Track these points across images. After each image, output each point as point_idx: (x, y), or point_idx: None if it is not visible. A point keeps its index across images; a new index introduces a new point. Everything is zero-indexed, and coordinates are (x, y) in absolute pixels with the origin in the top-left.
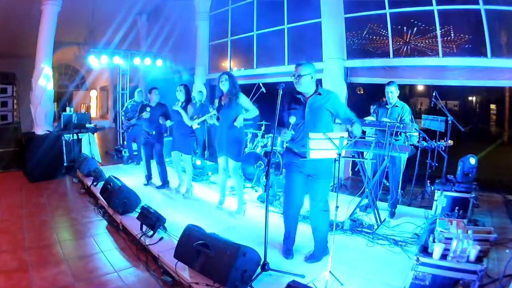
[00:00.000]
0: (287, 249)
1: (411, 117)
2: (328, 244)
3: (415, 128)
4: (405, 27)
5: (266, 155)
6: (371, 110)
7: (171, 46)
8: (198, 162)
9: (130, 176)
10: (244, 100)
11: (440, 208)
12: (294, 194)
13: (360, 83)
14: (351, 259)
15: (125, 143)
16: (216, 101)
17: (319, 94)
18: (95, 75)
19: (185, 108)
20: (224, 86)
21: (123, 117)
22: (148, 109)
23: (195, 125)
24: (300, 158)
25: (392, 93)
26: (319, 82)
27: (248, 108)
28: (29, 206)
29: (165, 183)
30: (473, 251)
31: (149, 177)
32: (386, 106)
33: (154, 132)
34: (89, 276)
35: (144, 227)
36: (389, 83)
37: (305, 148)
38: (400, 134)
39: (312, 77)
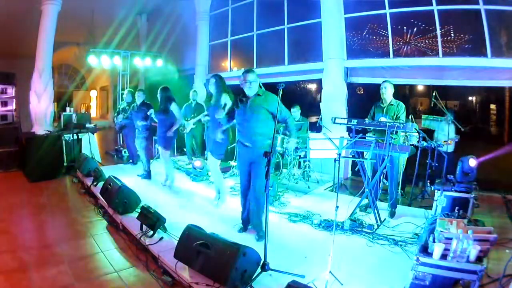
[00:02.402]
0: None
1: (411, 117)
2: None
3: (414, 128)
4: (405, 27)
5: (266, 155)
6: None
7: (171, 46)
8: (197, 163)
9: (130, 176)
10: (225, 101)
11: (440, 208)
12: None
13: (360, 83)
14: (351, 259)
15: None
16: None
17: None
18: (95, 75)
19: (165, 110)
20: (212, 88)
21: (114, 118)
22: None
23: (190, 125)
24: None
25: (386, 88)
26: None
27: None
28: (29, 206)
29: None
30: (473, 251)
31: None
32: (381, 105)
33: (140, 129)
34: (89, 276)
35: (144, 227)
36: (383, 82)
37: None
38: (397, 133)
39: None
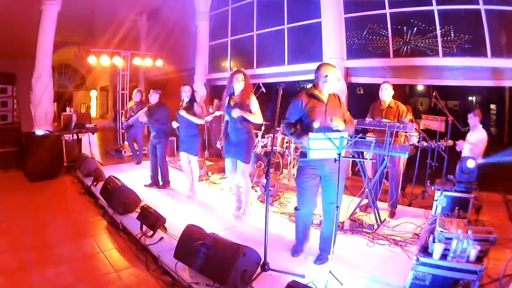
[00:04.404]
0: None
1: (411, 118)
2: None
3: (415, 129)
4: (405, 27)
5: (266, 155)
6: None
7: (171, 46)
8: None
9: (130, 176)
10: (254, 104)
11: (440, 208)
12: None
13: (360, 83)
14: (351, 259)
15: (125, 143)
16: (226, 100)
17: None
18: (95, 75)
19: (191, 108)
20: (239, 85)
21: (123, 117)
22: (143, 112)
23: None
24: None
25: (386, 90)
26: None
27: (255, 112)
28: (29, 206)
29: (165, 183)
30: (473, 251)
31: (153, 178)
32: (380, 107)
33: (154, 133)
34: (89, 276)
35: (144, 227)
36: (383, 83)
37: None
38: (399, 134)
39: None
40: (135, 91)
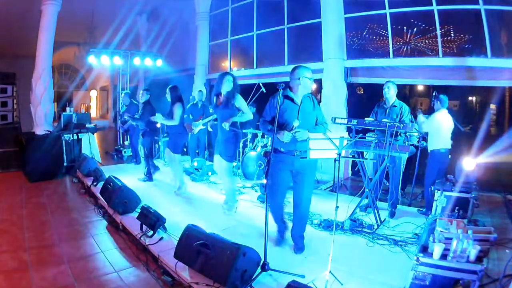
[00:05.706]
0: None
1: (411, 117)
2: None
3: (415, 129)
4: (405, 27)
5: (266, 155)
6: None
7: (171, 46)
8: (195, 163)
9: (130, 176)
10: (240, 102)
11: (440, 208)
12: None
13: (360, 83)
14: (351, 259)
15: (125, 142)
16: (214, 99)
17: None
18: (95, 75)
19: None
20: (227, 86)
21: (119, 121)
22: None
23: (199, 126)
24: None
25: (389, 89)
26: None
27: (243, 110)
28: (29, 206)
29: (148, 176)
30: (473, 251)
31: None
32: (384, 106)
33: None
34: (89, 276)
35: (144, 227)
36: (386, 82)
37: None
38: (400, 134)
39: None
40: (123, 94)
